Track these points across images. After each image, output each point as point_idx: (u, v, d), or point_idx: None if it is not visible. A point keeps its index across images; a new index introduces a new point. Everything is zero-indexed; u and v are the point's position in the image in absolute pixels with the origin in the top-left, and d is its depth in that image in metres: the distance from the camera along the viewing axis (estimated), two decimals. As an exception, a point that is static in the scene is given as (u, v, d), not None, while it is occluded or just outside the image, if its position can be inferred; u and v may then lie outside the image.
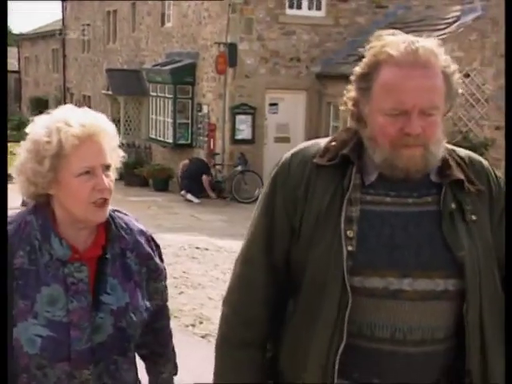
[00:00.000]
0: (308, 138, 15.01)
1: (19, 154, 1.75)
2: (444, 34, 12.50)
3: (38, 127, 1.72)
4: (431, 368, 1.63)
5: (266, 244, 1.70)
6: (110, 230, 1.81)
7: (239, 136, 14.69)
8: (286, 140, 15.11)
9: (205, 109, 15.77)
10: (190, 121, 16.35)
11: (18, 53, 34.53)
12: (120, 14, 21.00)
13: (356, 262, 1.59)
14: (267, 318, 1.72)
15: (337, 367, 1.60)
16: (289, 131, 15.23)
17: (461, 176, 1.65)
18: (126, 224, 1.85)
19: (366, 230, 1.61)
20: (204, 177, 14.52)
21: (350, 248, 1.59)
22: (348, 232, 1.60)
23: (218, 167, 15.03)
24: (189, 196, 14.38)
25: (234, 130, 14.61)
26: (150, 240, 1.90)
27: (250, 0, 14.27)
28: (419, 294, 1.59)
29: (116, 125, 1.84)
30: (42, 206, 1.76)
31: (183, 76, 16.12)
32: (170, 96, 16.34)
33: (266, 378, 1.75)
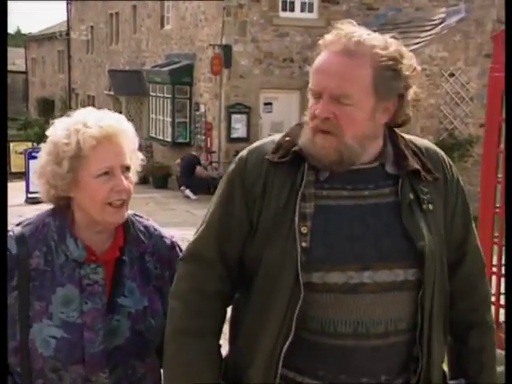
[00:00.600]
0: (301, 136, 15.49)
1: (40, 157, 1.75)
2: (430, 34, 12.94)
3: (58, 129, 1.71)
4: (396, 359, 1.62)
5: (220, 240, 1.66)
6: (129, 232, 1.79)
7: (235, 134, 15.10)
8: (281, 138, 15.59)
9: (202, 108, 16.21)
10: (188, 120, 16.77)
11: (25, 54, 35.00)
12: (122, 17, 21.47)
13: (312, 258, 1.56)
14: (219, 308, 1.67)
15: (281, 364, 1.58)
16: (283, 129, 15.08)
17: (417, 166, 1.63)
18: (145, 228, 1.83)
19: (322, 225, 1.58)
20: (198, 168, 14.88)
21: (303, 244, 1.56)
22: (302, 228, 1.57)
23: (214, 165, 15.50)
24: (187, 192, 14.84)
25: (229, 128, 15.03)
26: (175, 246, 1.86)
27: (244, 3, 14.69)
28: (380, 286, 1.57)
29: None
30: (61, 208, 1.75)
31: (181, 76, 16.56)
32: (169, 96, 16.79)
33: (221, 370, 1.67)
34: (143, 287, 1.77)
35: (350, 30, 1.59)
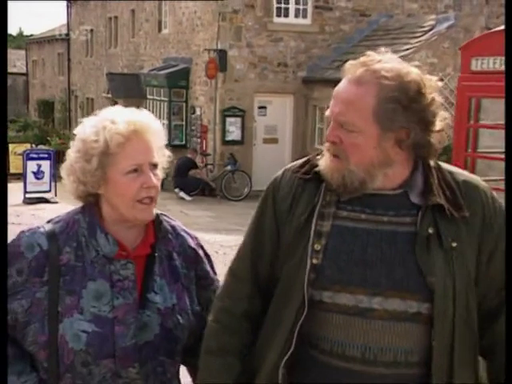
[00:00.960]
0: (295, 140, 15.81)
1: (68, 155, 1.76)
2: (420, 41, 13.25)
3: (86, 127, 1.73)
4: None
5: (254, 258, 1.70)
6: (160, 230, 1.80)
7: (229, 137, 15.41)
8: (274, 141, 15.89)
9: (198, 111, 16.49)
10: (184, 122, 17.05)
11: (25, 56, 35.28)
12: (121, 21, 21.76)
13: (322, 276, 1.58)
14: (247, 329, 1.71)
15: (281, 375, 1.60)
16: (277, 133, 15.95)
17: (440, 201, 1.59)
18: (172, 228, 1.84)
19: (337, 245, 1.59)
20: (192, 172, 15.06)
21: (314, 261, 1.58)
22: (316, 245, 1.59)
23: (209, 167, 15.78)
24: (181, 194, 15.10)
25: (224, 131, 15.35)
26: (200, 247, 1.88)
27: (239, 9, 15.01)
28: (390, 314, 1.56)
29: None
30: (90, 205, 1.77)
31: (178, 80, 16.85)
32: (166, 99, 17.07)
33: None
34: (172, 285, 1.78)
35: (371, 57, 1.59)
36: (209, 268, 1.88)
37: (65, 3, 26.83)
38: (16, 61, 35.75)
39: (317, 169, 1.64)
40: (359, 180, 1.58)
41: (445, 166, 1.69)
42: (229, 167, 15.17)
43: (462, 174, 1.69)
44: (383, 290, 1.55)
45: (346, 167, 1.58)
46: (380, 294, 1.56)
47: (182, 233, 1.86)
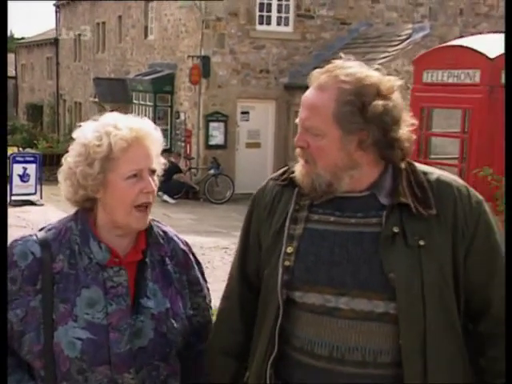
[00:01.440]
0: (277, 144, 16.15)
1: (66, 160, 1.75)
2: (396, 50, 13.65)
3: (87, 132, 1.73)
4: None
5: (242, 262, 1.81)
6: (151, 235, 1.81)
7: (212, 142, 15.70)
8: (257, 145, 16.22)
9: (182, 116, 16.75)
10: (169, 127, 17.23)
11: (14, 59, 35.42)
12: (108, 26, 22.00)
13: (293, 277, 1.63)
14: (245, 330, 1.78)
15: (268, 375, 1.66)
16: (259, 137, 16.26)
17: (406, 200, 1.60)
18: (164, 233, 1.86)
19: (307, 247, 1.63)
20: (176, 175, 15.23)
21: (287, 263, 1.63)
22: (288, 248, 1.64)
23: (193, 170, 16.07)
24: (165, 197, 15.32)
25: (207, 136, 15.63)
26: (190, 253, 1.90)
27: (222, 17, 15.30)
28: (357, 314, 1.58)
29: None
30: (83, 212, 1.77)
31: (163, 85, 17.11)
32: (151, 104, 17.33)
33: None
34: (165, 289, 1.79)
35: (334, 64, 1.65)
36: (199, 274, 1.91)
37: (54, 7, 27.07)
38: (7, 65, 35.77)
39: (293, 175, 1.71)
40: (326, 183, 1.63)
41: (420, 166, 1.69)
42: (212, 171, 15.43)
43: (437, 173, 1.69)
44: (349, 290, 1.58)
45: (314, 171, 1.63)
46: (346, 294, 1.59)
47: (174, 238, 1.88)
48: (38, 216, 12.39)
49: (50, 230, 1.78)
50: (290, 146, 16.03)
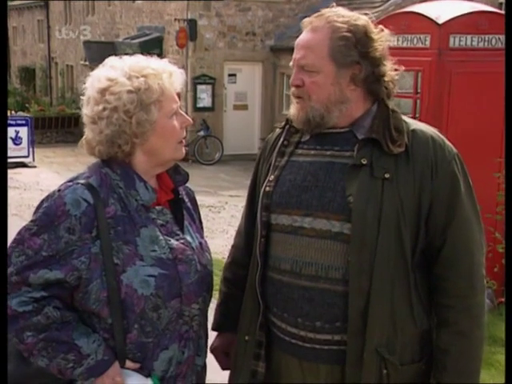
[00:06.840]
0: (264, 106, 16.43)
1: (99, 114, 1.70)
2: (377, 11, 13.86)
3: (120, 79, 1.70)
4: (331, 309, 1.70)
5: (250, 197, 1.99)
6: (179, 173, 1.85)
7: (200, 104, 15.95)
8: (244, 107, 16.51)
9: (171, 79, 17.02)
10: (158, 90, 17.57)
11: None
12: (97, -12, 22.05)
13: (272, 201, 1.81)
14: (245, 246, 1.99)
15: (259, 290, 1.81)
16: (246, 99, 16.52)
17: (376, 136, 1.71)
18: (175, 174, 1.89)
19: (285, 175, 1.81)
20: None
21: (267, 189, 1.82)
22: (271, 177, 1.83)
23: (182, 132, 16.37)
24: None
25: (195, 98, 15.87)
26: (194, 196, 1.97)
27: (208, -21, 15.41)
28: (316, 232, 1.72)
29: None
30: (111, 160, 1.74)
31: (151, 48, 16.98)
32: (140, 67, 17.56)
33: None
34: (193, 225, 1.87)
35: (326, 10, 1.78)
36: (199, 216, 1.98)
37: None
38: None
39: (288, 116, 1.86)
40: (319, 115, 1.75)
41: (404, 117, 1.80)
42: (201, 133, 15.73)
43: (419, 125, 1.79)
44: (313, 211, 1.73)
45: (309, 105, 1.76)
46: (311, 215, 1.74)
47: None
48: (30, 177, 12.80)
49: (87, 177, 1.73)
50: (276, 108, 16.34)
